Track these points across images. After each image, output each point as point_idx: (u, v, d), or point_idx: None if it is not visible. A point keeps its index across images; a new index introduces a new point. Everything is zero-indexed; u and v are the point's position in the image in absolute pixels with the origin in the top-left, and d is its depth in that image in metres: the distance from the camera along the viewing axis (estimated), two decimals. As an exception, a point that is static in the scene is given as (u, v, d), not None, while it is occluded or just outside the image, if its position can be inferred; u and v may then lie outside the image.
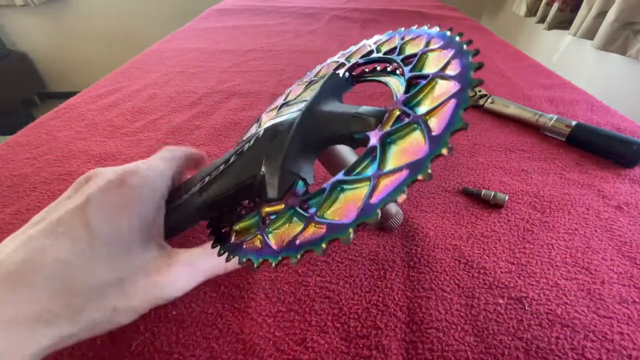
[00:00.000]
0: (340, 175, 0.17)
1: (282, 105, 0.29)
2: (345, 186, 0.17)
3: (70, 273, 0.15)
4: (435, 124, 0.15)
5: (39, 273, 0.15)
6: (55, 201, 0.19)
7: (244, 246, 0.19)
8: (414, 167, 0.14)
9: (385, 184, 0.15)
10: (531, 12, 1.47)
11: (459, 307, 0.25)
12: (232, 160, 0.22)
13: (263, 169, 0.19)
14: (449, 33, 0.20)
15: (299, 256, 0.16)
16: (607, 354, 0.23)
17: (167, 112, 0.52)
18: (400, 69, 0.22)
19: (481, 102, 0.52)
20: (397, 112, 0.17)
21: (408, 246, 0.30)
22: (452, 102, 0.15)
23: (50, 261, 0.15)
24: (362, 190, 0.16)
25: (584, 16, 1.11)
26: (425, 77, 0.18)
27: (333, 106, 0.21)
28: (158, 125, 0.49)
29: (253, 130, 0.30)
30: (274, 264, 0.17)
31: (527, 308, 0.25)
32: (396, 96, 0.20)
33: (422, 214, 0.34)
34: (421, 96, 0.17)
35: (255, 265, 0.17)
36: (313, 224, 0.16)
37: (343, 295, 0.26)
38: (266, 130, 0.21)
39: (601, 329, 0.24)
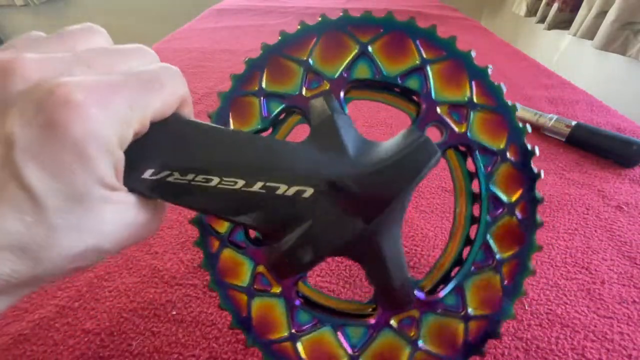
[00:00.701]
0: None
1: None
2: (471, 278, 0.18)
3: (27, 251, 0.12)
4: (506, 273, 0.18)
5: None
6: None
7: (273, 348, 0.19)
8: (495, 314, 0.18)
9: (508, 271, 0.18)
10: (531, 12, 1.47)
11: (459, 307, 0.25)
12: (265, 186, 0.15)
13: (291, 238, 0.16)
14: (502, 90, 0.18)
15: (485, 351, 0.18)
16: (607, 354, 0.23)
17: (167, 112, 0.52)
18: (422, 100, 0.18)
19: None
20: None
21: (408, 246, 0.30)
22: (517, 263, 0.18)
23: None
24: (493, 277, 0.18)
25: (584, 16, 1.11)
26: (502, 205, 0.18)
27: (391, 243, 0.18)
28: (158, 125, 0.48)
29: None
30: None
31: (527, 308, 0.25)
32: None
33: (422, 214, 0.34)
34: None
35: None
36: (472, 321, 0.18)
37: (343, 295, 0.26)
38: (323, 195, 0.16)
39: (601, 329, 0.24)
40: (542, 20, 1.38)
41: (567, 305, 0.26)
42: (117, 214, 0.14)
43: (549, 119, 0.45)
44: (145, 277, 0.27)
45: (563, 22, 1.28)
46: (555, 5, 1.27)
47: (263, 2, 1.11)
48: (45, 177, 0.12)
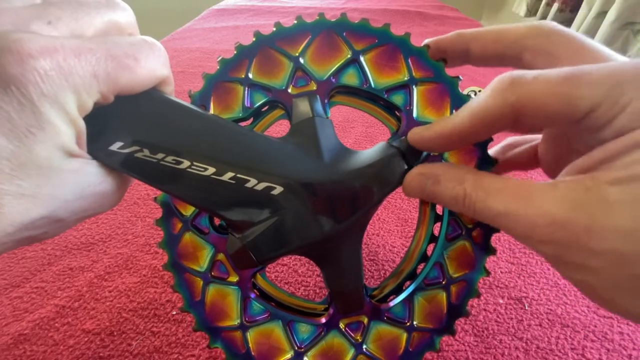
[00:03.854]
0: (413, 285, 0.20)
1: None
2: (421, 292, 0.19)
3: None
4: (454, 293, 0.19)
5: None
6: None
7: (222, 335, 0.19)
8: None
9: (456, 291, 0.19)
10: (531, 12, 1.47)
11: (459, 307, 0.25)
12: (240, 179, 0.15)
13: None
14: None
15: None
16: (607, 354, 0.23)
17: (167, 112, 0.52)
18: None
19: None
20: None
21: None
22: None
23: None
24: (441, 294, 0.19)
25: (584, 16, 1.12)
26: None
27: (352, 249, 0.19)
28: (158, 125, 0.48)
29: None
30: None
31: (527, 308, 0.25)
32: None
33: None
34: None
35: None
36: (416, 333, 0.19)
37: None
38: (292, 195, 0.16)
39: (601, 329, 0.24)
40: (542, 20, 1.38)
41: (567, 305, 0.26)
42: (77, 182, 0.13)
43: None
44: (145, 277, 0.27)
45: (563, 22, 1.27)
46: (555, 6, 1.27)
47: (263, 2, 1.11)
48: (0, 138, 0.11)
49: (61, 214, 0.13)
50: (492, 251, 0.18)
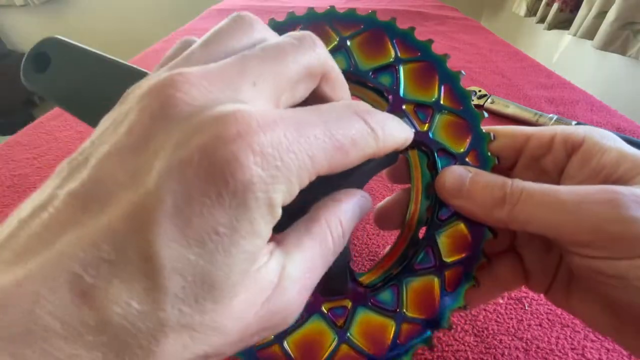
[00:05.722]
0: (405, 272, 0.18)
1: None
2: (410, 278, 0.18)
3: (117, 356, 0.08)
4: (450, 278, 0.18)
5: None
6: (57, 175, 0.10)
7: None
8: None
9: (450, 277, 0.17)
10: (531, 12, 1.47)
11: (459, 307, 0.25)
12: None
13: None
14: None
15: (411, 358, 0.17)
16: (607, 354, 0.23)
17: (167, 112, 0.52)
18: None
19: (481, 102, 0.52)
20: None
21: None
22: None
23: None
24: (433, 281, 0.18)
25: (584, 16, 1.11)
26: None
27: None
28: (158, 125, 0.48)
29: None
30: None
31: (527, 308, 0.25)
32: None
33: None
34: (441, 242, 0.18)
35: None
36: (405, 323, 0.18)
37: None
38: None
39: (601, 329, 0.24)
40: (542, 20, 1.38)
41: (567, 305, 0.26)
42: (249, 304, 0.09)
43: (549, 119, 0.45)
44: (145, 277, 0.27)
45: (563, 22, 1.28)
46: (555, 5, 1.27)
47: (263, 2, 1.10)
48: (181, 246, 0.08)
49: (224, 349, 0.09)
50: (491, 233, 0.17)
